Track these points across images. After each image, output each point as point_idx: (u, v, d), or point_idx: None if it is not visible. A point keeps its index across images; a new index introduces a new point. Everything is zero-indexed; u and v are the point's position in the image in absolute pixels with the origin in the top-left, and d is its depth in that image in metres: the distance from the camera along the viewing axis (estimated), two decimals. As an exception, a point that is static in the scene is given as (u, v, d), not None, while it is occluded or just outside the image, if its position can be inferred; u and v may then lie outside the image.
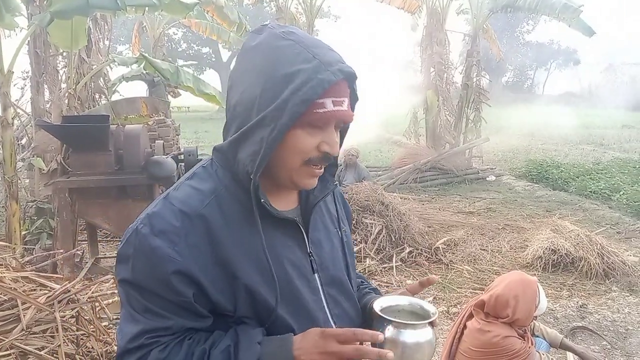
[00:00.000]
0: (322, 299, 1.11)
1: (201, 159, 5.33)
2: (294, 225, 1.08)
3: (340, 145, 1.11)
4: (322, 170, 1.05)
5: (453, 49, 11.49)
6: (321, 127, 0.99)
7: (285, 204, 1.11)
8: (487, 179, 10.59)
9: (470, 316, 2.65)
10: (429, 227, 6.57)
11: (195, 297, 0.97)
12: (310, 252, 1.11)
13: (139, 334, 0.98)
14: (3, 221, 5.62)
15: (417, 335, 1.05)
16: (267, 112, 0.95)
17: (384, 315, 1.07)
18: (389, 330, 1.05)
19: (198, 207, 1.00)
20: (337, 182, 1.20)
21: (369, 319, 1.18)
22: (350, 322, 1.15)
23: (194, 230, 0.98)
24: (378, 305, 1.11)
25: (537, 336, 2.91)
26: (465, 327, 2.65)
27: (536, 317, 2.64)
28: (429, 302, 1.16)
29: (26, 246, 4.77)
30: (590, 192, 9.14)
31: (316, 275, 1.11)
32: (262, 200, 1.00)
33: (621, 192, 8.77)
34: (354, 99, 1.05)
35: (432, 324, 1.09)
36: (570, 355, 3.30)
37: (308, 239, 1.11)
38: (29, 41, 5.61)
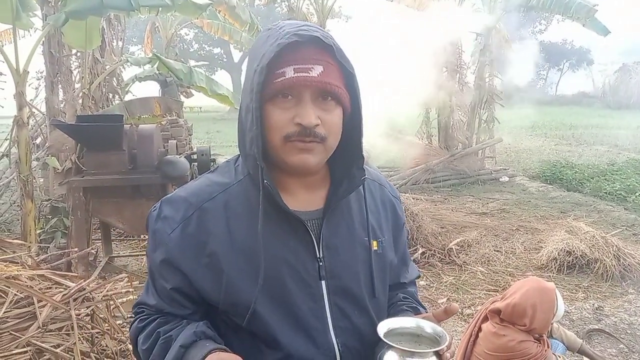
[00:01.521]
0: (324, 308, 1.04)
1: (214, 159, 5.35)
2: (301, 226, 1.03)
3: (356, 133, 1.06)
4: (312, 145, 0.98)
5: (465, 49, 11.40)
6: (293, 98, 0.97)
7: (307, 203, 1.07)
8: (500, 179, 10.50)
9: (486, 319, 2.62)
10: (442, 228, 6.52)
11: (176, 287, 1.02)
12: (320, 257, 1.04)
13: (137, 302, 1.13)
14: (18, 220, 5.67)
15: None
16: (248, 97, 0.99)
17: (385, 340, 0.97)
18: (390, 357, 0.95)
19: (204, 199, 1.03)
20: (365, 177, 1.08)
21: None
22: (359, 339, 1.07)
23: (194, 221, 1.02)
24: (385, 326, 1.00)
25: (555, 339, 2.87)
26: (480, 329, 2.62)
27: (553, 322, 2.60)
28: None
29: (41, 245, 4.80)
30: (605, 193, 9.03)
31: (323, 282, 1.04)
32: (265, 182, 0.97)
33: (637, 194, 8.65)
34: (345, 71, 1.00)
35: (439, 354, 0.97)
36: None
37: (321, 242, 1.05)
38: (43, 41, 5.65)
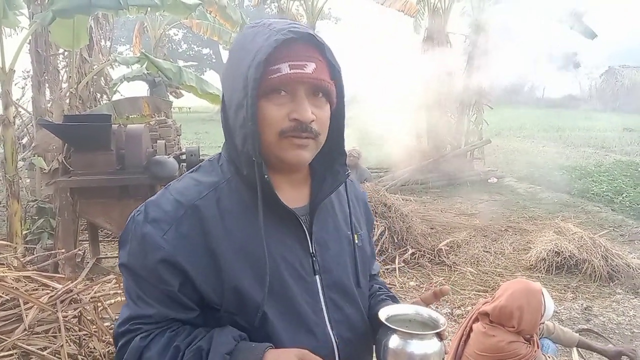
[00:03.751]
0: (320, 302, 1.06)
1: (203, 160, 5.33)
2: (295, 222, 1.04)
3: (340, 129, 1.08)
4: (307, 141, 0.99)
5: (454, 51, 11.46)
6: (288, 94, 0.97)
7: (294, 200, 1.07)
8: (489, 181, 10.56)
9: (477, 319, 2.62)
10: (432, 228, 6.54)
11: (181, 288, 0.97)
12: (313, 253, 1.06)
13: (126, 319, 1.00)
14: (4, 220, 5.60)
15: (424, 347, 0.99)
16: (240, 93, 0.97)
17: (388, 324, 1.01)
18: (394, 340, 1.00)
19: (194, 198, 1.01)
20: (349, 172, 1.13)
21: (378, 328, 1.15)
22: (352, 329, 1.10)
23: (186, 220, 0.98)
24: (384, 313, 1.06)
25: (551, 338, 2.87)
26: (471, 329, 2.61)
27: (543, 322, 2.60)
28: (437, 312, 1.10)
29: (27, 246, 4.74)
30: (593, 194, 9.12)
31: (317, 277, 1.06)
32: (265, 176, 0.97)
33: (624, 195, 8.75)
34: (332, 69, 1.01)
35: (440, 335, 1.02)
36: (575, 355, 3.26)
37: (312, 238, 1.07)
38: (30, 40, 5.59)
